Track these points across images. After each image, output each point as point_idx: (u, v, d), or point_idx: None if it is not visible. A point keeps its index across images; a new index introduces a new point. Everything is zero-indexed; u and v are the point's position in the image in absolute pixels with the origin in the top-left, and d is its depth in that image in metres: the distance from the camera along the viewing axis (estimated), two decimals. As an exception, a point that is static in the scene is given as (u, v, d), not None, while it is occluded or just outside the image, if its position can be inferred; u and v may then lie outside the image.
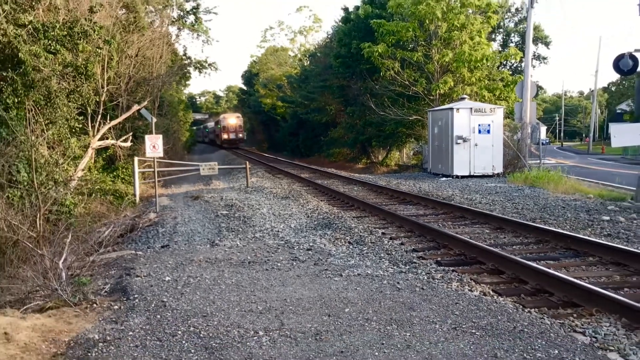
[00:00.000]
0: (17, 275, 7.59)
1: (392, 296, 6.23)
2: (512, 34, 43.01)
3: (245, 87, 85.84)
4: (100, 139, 18.57)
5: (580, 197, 14.49)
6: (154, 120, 15.65)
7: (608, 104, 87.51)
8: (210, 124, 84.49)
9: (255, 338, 5.02)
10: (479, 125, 20.64)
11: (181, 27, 33.96)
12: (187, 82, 44.88)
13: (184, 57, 36.19)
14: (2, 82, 13.32)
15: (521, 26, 40.86)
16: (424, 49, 28.14)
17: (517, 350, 4.63)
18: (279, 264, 7.95)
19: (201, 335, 5.14)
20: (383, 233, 10.33)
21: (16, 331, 5.08)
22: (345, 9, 41.28)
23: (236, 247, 9.39)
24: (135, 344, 4.93)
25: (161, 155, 14.81)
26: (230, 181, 22.54)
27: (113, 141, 19.58)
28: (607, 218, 11.18)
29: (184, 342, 4.98)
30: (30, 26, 13.74)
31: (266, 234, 10.63)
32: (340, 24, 41.21)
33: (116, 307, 6.13)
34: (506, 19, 42.29)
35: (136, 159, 17.30)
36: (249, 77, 79.42)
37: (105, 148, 20.11)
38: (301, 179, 22.21)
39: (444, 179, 20.81)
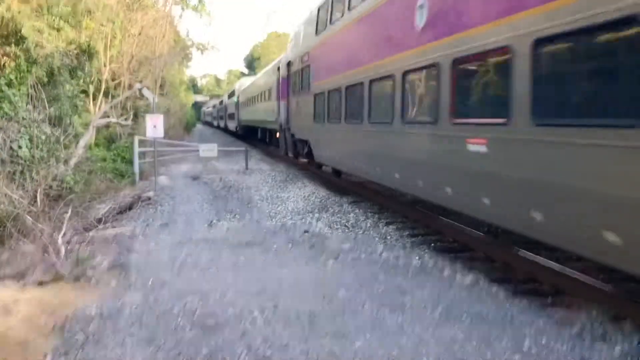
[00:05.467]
0: (17, 249, 7.68)
1: (386, 280, 6.33)
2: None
3: (246, 71, 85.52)
4: (101, 117, 18.58)
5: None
6: (156, 99, 15.67)
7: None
8: (244, 83, 39.39)
9: (250, 318, 5.12)
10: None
11: (184, 8, 33.76)
12: (189, 64, 44.73)
13: (186, 38, 36.07)
14: (5, 58, 13.33)
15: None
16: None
17: (506, 337, 4.74)
18: (275, 246, 8.04)
19: (197, 313, 5.24)
20: (379, 218, 10.42)
21: (16, 304, 5.18)
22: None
23: (234, 228, 9.48)
24: (132, 320, 5.03)
25: (162, 135, 14.84)
26: (230, 163, 22.56)
27: (114, 119, 19.59)
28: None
29: (179, 319, 5.08)
30: (34, 1, 13.72)
31: (264, 216, 10.72)
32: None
33: (114, 283, 6.23)
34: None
35: (136, 137, 17.32)
36: (251, 60, 79.24)
37: (107, 126, 20.11)
38: (299, 163, 22.24)
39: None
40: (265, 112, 25.73)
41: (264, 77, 27.89)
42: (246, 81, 40.33)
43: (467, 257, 7.76)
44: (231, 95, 46.01)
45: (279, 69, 21.32)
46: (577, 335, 4.89)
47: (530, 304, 5.72)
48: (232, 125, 44.82)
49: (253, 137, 34.11)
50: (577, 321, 5.32)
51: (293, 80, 17.95)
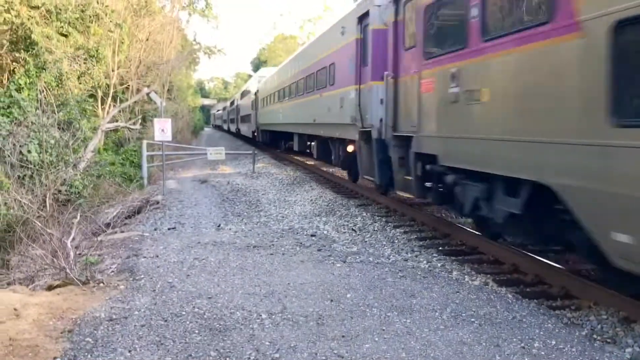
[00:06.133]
0: (27, 254, 7.74)
1: (394, 283, 6.32)
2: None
3: (253, 74, 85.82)
4: (109, 122, 18.69)
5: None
6: (164, 104, 15.75)
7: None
8: (264, 75, 33.43)
9: (258, 320, 5.12)
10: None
11: (191, 13, 33.96)
12: (196, 67, 44.89)
13: (193, 43, 36.25)
14: (14, 63, 13.47)
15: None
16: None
17: (515, 339, 4.71)
18: (283, 249, 8.05)
19: (205, 316, 5.24)
20: (386, 221, 10.41)
21: (25, 308, 5.21)
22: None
23: (241, 231, 9.49)
24: (140, 324, 5.04)
25: (170, 139, 14.90)
26: (237, 166, 22.63)
27: (122, 124, 19.71)
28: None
29: (188, 322, 5.08)
30: (43, 8, 13.84)
31: (271, 219, 10.73)
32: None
33: (123, 286, 6.25)
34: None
35: (144, 141, 17.40)
36: (258, 64, 79.40)
37: (115, 130, 20.25)
38: (306, 166, 22.26)
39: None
40: (320, 109, 15.56)
41: (317, 47, 16.77)
42: (268, 72, 32.25)
43: (476, 259, 7.74)
44: (245, 93, 38.00)
45: (361, 18, 11.55)
46: (587, 338, 4.86)
47: (539, 306, 5.70)
48: (246, 129, 36.08)
49: (279, 146, 27.51)
50: (587, 323, 5.29)
51: (433, 24, 8.38)
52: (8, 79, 13.72)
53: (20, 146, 11.67)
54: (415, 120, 8.74)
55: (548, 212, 6.06)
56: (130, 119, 20.82)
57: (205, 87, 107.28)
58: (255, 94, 31.77)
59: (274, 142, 28.13)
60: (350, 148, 13.13)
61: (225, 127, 59.19)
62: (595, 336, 4.98)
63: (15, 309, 5.11)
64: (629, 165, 4.47)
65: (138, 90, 21.28)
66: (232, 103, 50.64)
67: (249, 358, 4.33)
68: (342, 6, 60.92)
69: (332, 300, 5.69)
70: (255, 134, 32.38)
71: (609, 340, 4.89)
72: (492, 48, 6.46)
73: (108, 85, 19.36)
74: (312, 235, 9.12)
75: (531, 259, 7.02)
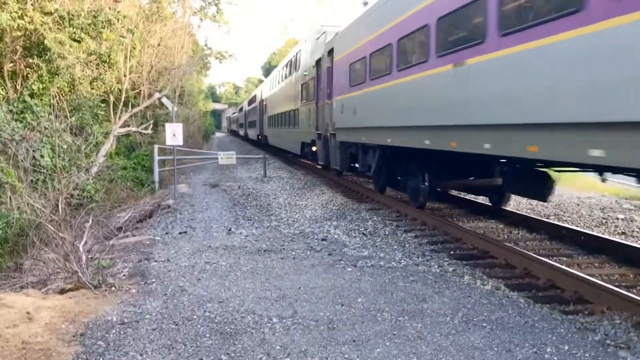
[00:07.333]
0: (40, 258, 7.79)
1: (405, 288, 6.30)
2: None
3: (264, 79, 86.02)
4: (121, 126, 18.80)
5: (595, 195, 14.39)
6: (175, 108, 15.82)
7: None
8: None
9: (269, 325, 5.12)
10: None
11: (202, 18, 34.17)
12: (207, 72, 45.05)
13: (205, 48, 36.45)
14: (28, 69, 13.60)
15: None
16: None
17: (527, 344, 4.68)
18: (293, 253, 8.05)
19: (216, 320, 5.25)
20: (397, 225, 10.39)
21: (38, 311, 5.24)
22: (365, 3, 41.12)
23: (252, 235, 9.51)
24: (152, 327, 5.06)
25: (181, 143, 14.96)
26: (248, 171, 22.68)
27: (134, 128, 19.82)
28: (622, 216, 11.11)
29: (199, 326, 5.09)
30: (56, 14, 13.98)
31: (282, 223, 10.74)
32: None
33: (134, 290, 6.27)
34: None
35: (156, 146, 17.49)
36: (269, 68, 79.63)
37: (127, 135, 20.37)
38: (317, 171, 22.27)
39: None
40: None
41: None
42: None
43: (487, 263, 7.71)
44: (279, 75, 24.93)
45: None
46: (600, 343, 4.81)
47: (551, 311, 5.66)
48: (279, 140, 24.74)
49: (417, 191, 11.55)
50: (600, 328, 5.24)
51: None
52: (21, 84, 13.86)
53: (33, 151, 11.78)
54: None
55: None
56: (142, 123, 20.94)
57: (216, 92, 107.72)
58: (318, 62, 17.66)
59: (392, 179, 13.04)
60: None
61: (241, 132, 48.72)
62: (608, 341, 4.93)
63: (28, 313, 5.15)
64: None
65: (150, 95, 21.42)
66: (251, 101, 39.10)
67: (260, 362, 4.33)
68: (352, 10, 60.91)
69: (343, 305, 5.69)
70: (315, 149, 18.48)
71: (622, 345, 4.84)
72: None
73: (120, 90, 19.50)
74: (322, 240, 9.12)
75: (543, 263, 6.98)
